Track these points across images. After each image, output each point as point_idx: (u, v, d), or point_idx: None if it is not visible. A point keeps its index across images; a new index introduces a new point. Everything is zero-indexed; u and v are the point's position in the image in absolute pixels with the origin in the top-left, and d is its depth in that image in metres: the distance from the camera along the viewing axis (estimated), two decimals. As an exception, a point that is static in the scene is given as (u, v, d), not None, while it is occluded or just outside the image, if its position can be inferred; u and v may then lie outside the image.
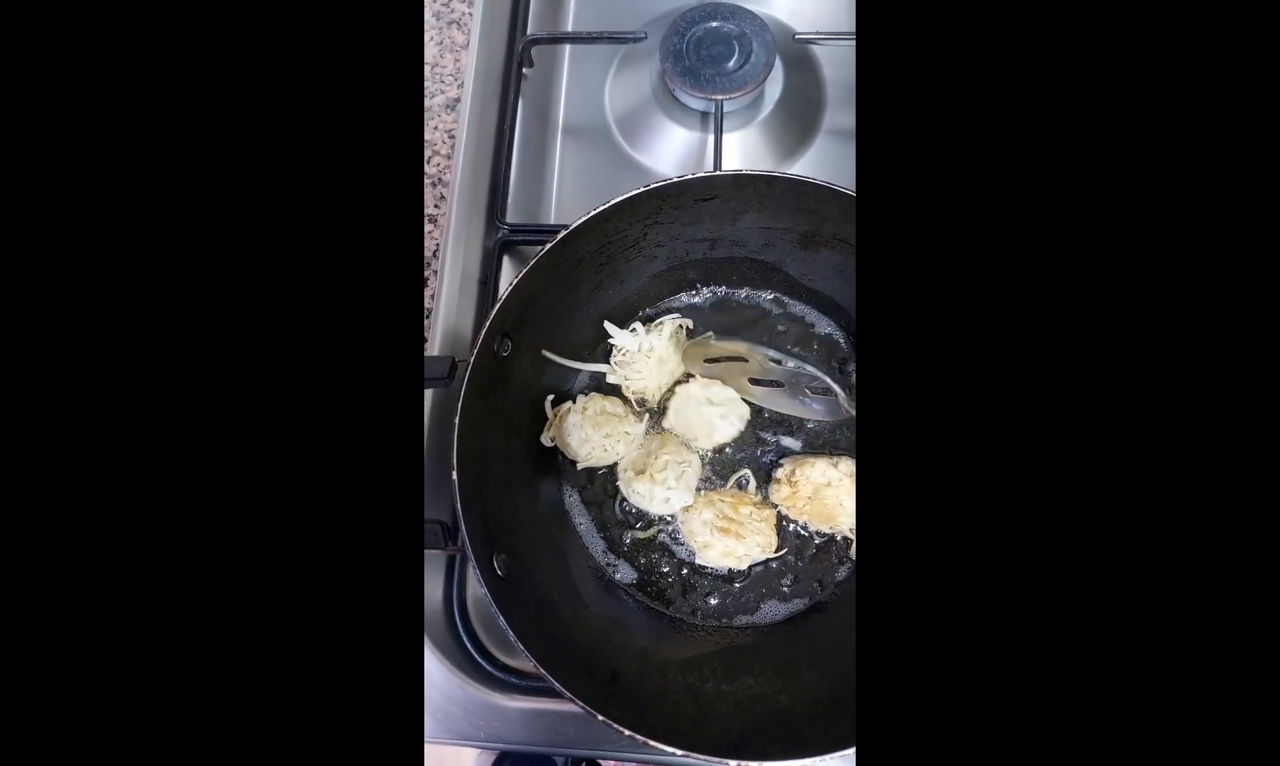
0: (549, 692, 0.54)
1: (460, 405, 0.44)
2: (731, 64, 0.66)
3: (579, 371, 0.60)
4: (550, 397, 0.58)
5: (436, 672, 0.54)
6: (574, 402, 0.57)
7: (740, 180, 0.47)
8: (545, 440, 0.57)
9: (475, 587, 0.60)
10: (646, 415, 0.59)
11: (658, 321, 0.59)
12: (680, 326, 0.60)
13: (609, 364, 0.59)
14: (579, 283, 0.53)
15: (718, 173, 0.47)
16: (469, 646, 0.57)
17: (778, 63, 0.68)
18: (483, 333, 0.46)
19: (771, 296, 0.61)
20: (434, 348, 0.60)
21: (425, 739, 0.55)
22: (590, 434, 0.55)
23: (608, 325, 0.59)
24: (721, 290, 0.61)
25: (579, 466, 0.57)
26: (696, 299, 0.62)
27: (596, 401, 0.56)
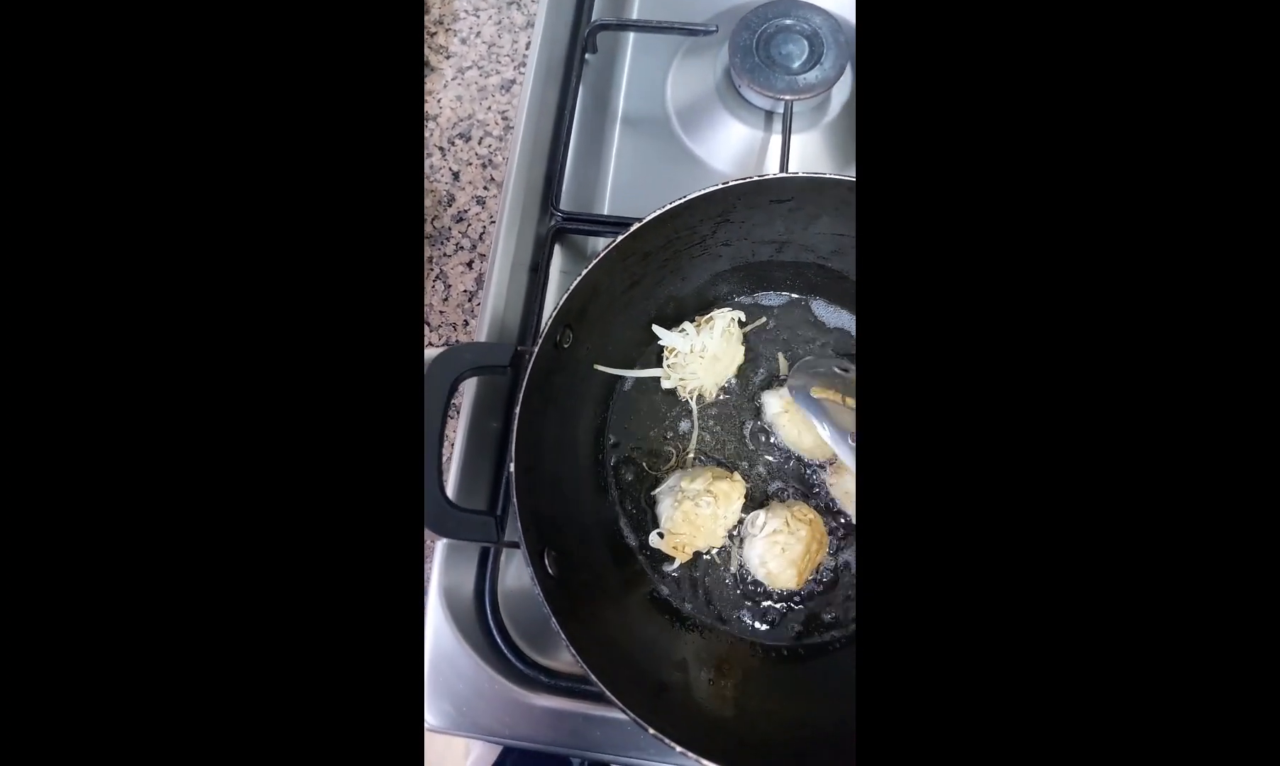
0: (578, 693, 0.53)
1: (521, 396, 0.43)
2: (801, 64, 0.64)
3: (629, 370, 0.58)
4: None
5: (465, 664, 0.53)
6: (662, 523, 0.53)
7: (823, 184, 0.45)
8: (673, 572, 0.54)
9: (507, 581, 0.58)
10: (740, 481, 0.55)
11: (708, 317, 0.57)
12: (733, 320, 0.57)
13: (662, 367, 0.57)
14: (642, 277, 0.51)
15: (799, 174, 0.45)
16: (499, 640, 0.55)
17: (849, 66, 0.66)
18: (546, 323, 0.44)
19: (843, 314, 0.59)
20: (482, 331, 0.58)
21: (445, 731, 0.54)
22: (709, 533, 0.52)
23: (656, 329, 0.56)
24: (787, 295, 0.60)
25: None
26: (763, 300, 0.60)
27: (680, 505, 0.52)
